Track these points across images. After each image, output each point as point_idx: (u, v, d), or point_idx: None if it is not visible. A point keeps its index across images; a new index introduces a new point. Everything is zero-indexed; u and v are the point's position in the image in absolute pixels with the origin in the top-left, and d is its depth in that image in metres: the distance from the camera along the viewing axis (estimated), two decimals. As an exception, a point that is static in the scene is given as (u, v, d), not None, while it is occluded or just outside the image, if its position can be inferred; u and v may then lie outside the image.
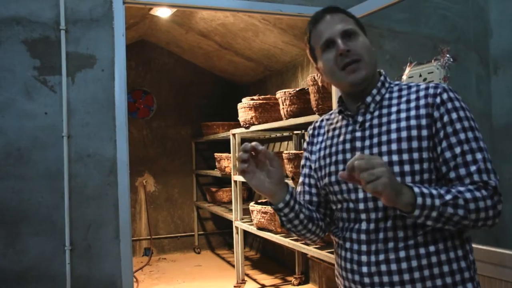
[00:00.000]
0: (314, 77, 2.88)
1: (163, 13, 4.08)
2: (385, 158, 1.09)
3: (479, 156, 1.06)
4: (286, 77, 4.63)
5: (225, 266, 4.92)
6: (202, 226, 5.71)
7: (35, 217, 2.14)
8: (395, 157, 1.09)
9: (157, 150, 5.49)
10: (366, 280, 1.09)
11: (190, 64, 5.62)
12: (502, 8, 2.73)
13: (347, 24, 1.16)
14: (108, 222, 2.24)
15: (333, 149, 1.22)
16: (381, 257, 1.08)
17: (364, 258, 1.10)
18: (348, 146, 1.18)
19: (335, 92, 2.61)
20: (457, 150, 1.06)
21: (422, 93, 1.12)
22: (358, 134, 1.17)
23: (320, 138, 1.29)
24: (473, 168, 1.05)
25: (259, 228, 3.60)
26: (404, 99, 1.14)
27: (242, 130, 3.93)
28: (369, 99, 1.17)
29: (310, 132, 1.34)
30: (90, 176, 2.22)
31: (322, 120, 1.34)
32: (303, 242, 3.08)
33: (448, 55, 2.46)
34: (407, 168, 1.08)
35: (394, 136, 1.11)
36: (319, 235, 1.28)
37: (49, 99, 2.18)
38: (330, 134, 1.26)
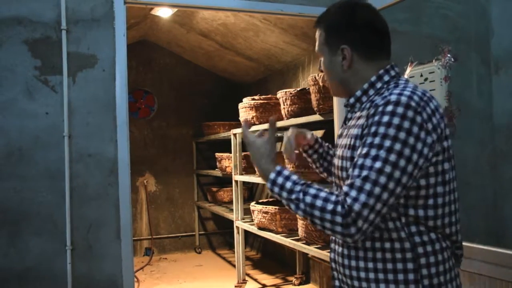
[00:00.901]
0: (315, 77, 2.88)
1: (164, 13, 4.08)
2: (338, 163, 1.18)
3: (363, 173, 1.01)
4: (287, 77, 4.63)
5: (226, 266, 4.92)
6: (203, 226, 5.71)
7: (36, 217, 2.14)
8: (339, 162, 1.17)
9: (158, 150, 5.49)
10: (336, 260, 1.22)
11: (191, 64, 5.62)
12: (504, 8, 2.73)
13: (316, 45, 1.26)
14: (109, 222, 2.24)
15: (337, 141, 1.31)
16: (339, 249, 1.19)
17: (332, 244, 1.24)
18: (338, 141, 1.27)
19: (336, 92, 2.61)
20: (355, 160, 1.05)
21: (375, 102, 1.10)
22: (340, 131, 1.27)
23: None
24: (350, 180, 1.02)
25: (260, 228, 3.60)
26: (369, 104, 1.14)
27: (243, 130, 3.92)
28: (352, 100, 1.22)
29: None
30: (91, 176, 2.22)
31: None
32: (304, 242, 3.08)
33: (449, 55, 2.46)
34: (344, 174, 1.14)
35: (346, 141, 1.17)
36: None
37: (50, 99, 2.18)
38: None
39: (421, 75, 2.29)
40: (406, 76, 2.23)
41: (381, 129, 1.02)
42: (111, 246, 2.24)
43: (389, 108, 1.03)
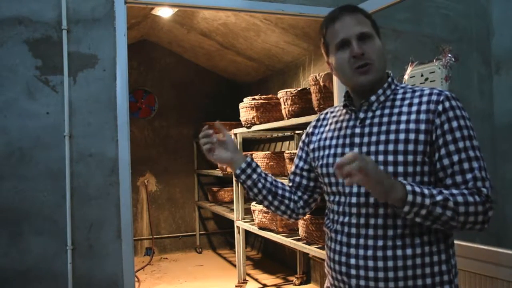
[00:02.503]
0: (315, 77, 2.88)
1: (164, 13, 4.08)
2: (380, 157, 1.14)
3: (475, 164, 1.10)
4: (288, 77, 4.63)
5: (227, 265, 4.92)
6: (203, 226, 5.71)
7: (37, 216, 2.14)
8: (390, 158, 1.14)
9: (159, 150, 5.49)
10: (353, 271, 1.15)
11: (191, 63, 5.62)
12: (505, 8, 2.73)
13: (364, 27, 1.19)
14: (110, 222, 2.24)
15: (333, 141, 1.27)
16: (369, 252, 1.13)
17: (352, 250, 1.15)
18: (347, 141, 1.23)
19: (336, 92, 2.61)
20: (455, 158, 1.11)
21: (425, 98, 1.15)
22: (357, 130, 1.22)
23: (322, 129, 1.35)
24: (469, 176, 1.10)
25: (261, 228, 3.60)
26: (407, 102, 1.18)
27: (244, 129, 3.93)
28: (373, 98, 1.21)
29: (313, 123, 1.40)
30: (92, 175, 2.23)
31: (326, 113, 1.40)
32: (304, 242, 3.08)
33: (449, 55, 2.46)
34: (400, 169, 1.13)
35: (392, 137, 1.14)
36: (286, 213, 1.38)
37: (51, 99, 2.18)
38: (333, 126, 1.30)
39: (422, 75, 2.28)
40: (406, 76, 2.23)
41: (462, 122, 1.13)
42: (112, 246, 2.24)
43: (453, 103, 1.14)
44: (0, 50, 2.12)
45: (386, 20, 2.74)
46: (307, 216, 3.01)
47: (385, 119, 1.18)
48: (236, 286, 4.01)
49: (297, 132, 4.21)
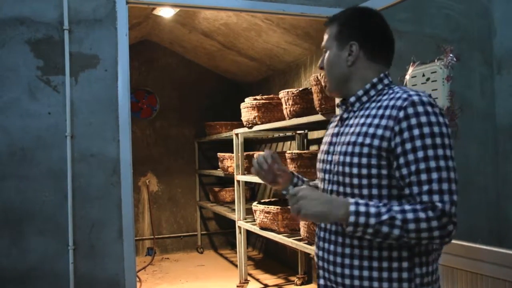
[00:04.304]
0: (317, 77, 2.88)
1: (166, 13, 4.09)
2: (341, 158, 1.18)
3: (434, 176, 1.05)
4: (289, 77, 4.63)
5: (228, 266, 4.92)
6: (205, 226, 5.72)
7: (39, 216, 2.14)
8: (347, 159, 1.16)
9: (160, 150, 5.50)
10: (324, 258, 1.24)
11: (193, 64, 5.63)
12: (506, 7, 2.72)
13: (325, 41, 1.29)
14: (111, 222, 2.25)
15: (326, 138, 1.33)
16: (332, 247, 1.20)
17: (326, 245, 1.23)
18: (330, 139, 1.29)
19: (338, 92, 2.61)
20: (413, 168, 1.07)
21: (391, 103, 1.14)
22: (336, 130, 1.28)
23: (329, 126, 1.42)
24: (425, 187, 1.06)
25: (262, 228, 3.60)
26: (378, 104, 1.18)
27: (245, 130, 3.93)
28: (352, 99, 1.25)
29: (330, 121, 1.46)
30: (93, 176, 2.23)
31: (337, 116, 1.45)
32: (306, 242, 3.08)
33: (451, 55, 2.45)
34: (355, 170, 1.14)
35: (353, 138, 1.17)
36: None
37: (53, 99, 2.18)
38: (333, 124, 1.37)
39: (423, 75, 2.28)
40: (408, 76, 2.22)
41: (426, 130, 1.07)
42: (113, 246, 2.24)
43: (420, 108, 1.08)
44: (2, 50, 2.12)
45: (387, 20, 2.74)
46: (308, 216, 3.00)
47: (357, 120, 1.20)
48: (237, 286, 4.01)
49: (298, 132, 4.21)
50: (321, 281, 1.26)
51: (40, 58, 2.17)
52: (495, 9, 2.75)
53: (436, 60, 2.47)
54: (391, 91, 1.19)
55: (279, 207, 3.46)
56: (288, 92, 3.27)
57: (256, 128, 3.77)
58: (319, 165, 1.32)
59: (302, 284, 4.07)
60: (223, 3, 2.50)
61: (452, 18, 2.74)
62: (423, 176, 1.06)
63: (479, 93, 2.76)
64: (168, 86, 5.54)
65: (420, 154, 1.06)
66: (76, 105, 2.22)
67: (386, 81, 1.24)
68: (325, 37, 1.29)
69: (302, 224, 3.10)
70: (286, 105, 3.31)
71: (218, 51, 4.89)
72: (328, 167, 1.25)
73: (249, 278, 4.11)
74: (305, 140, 4.25)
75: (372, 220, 1.05)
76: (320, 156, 1.33)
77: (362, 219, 1.05)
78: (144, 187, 5.41)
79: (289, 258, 4.58)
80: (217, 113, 5.54)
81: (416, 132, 1.07)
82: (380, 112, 1.14)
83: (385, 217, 1.04)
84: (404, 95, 1.12)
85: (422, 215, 1.03)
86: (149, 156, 5.41)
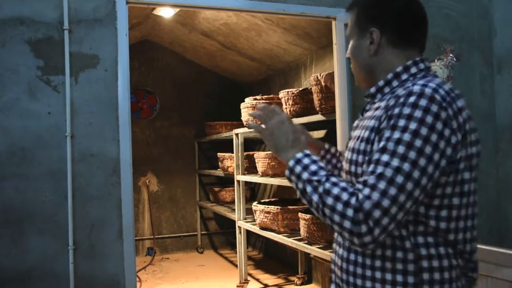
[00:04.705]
0: (317, 77, 2.88)
1: (166, 13, 4.09)
2: (348, 155, 1.10)
3: (379, 170, 0.92)
4: (289, 77, 4.63)
5: (228, 265, 4.92)
6: (205, 226, 5.72)
7: (39, 216, 2.14)
8: (349, 155, 1.09)
9: (160, 150, 5.50)
10: (336, 262, 1.15)
11: (193, 63, 5.63)
12: (506, 8, 2.72)
13: (348, 28, 1.20)
14: (111, 222, 2.25)
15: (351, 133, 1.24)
16: (340, 250, 1.11)
17: (334, 245, 1.18)
18: (351, 133, 1.19)
19: (338, 92, 2.61)
20: (371, 156, 0.96)
21: (396, 92, 1.02)
22: (356, 123, 1.18)
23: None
24: (364, 178, 0.94)
25: (262, 228, 3.60)
26: (390, 96, 1.05)
27: (245, 130, 3.93)
28: (372, 89, 1.14)
29: None
30: (93, 176, 2.23)
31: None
32: (306, 242, 3.07)
33: (451, 55, 2.46)
34: (353, 168, 1.06)
35: (359, 133, 1.08)
36: None
37: (53, 99, 2.18)
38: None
39: (424, 75, 2.27)
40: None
41: (401, 122, 0.93)
42: (114, 246, 2.24)
43: (411, 99, 0.94)
44: (2, 50, 2.12)
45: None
46: (308, 216, 3.01)
47: (370, 113, 1.10)
48: (237, 286, 4.01)
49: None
50: (333, 286, 1.17)
51: (40, 58, 2.17)
52: (495, 9, 2.75)
53: (436, 60, 2.47)
54: (409, 83, 1.04)
55: (279, 207, 3.45)
56: (288, 92, 3.27)
57: (256, 128, 3.76)
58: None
59: (302, 284, 4.07)
60: (223, 3, 2.50)
61: (453, 18, 2.74)
62: (370, 167, 0.94)
63: (479, 93, 2.76)
64: (168, 86, 5.54)
65: (381, 144, 0.94)
66: (76, 105, 2.21)
67: (413, 70, 1.09)
68: (348, 24, 1.19)
69: (302, 224, 3.10)
70: (286, 105, 3.31)
71: (218, 51, 4.89)
72: (344, 163, 1.16)
73: (249, 278, 4.11)
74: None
75: (305, 175, 0.99)
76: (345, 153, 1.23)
77: (298, 169, 1.01)
78: (144, 187, 5.41)
79: (289, 258, 4.58)
80: (217, 113, 5.54)
81: (391, 122, 0.95)
82: (385, 103, 1.03)
83: (315, 177, 0.98)
84: (410, 84, 1.01)
85: (344, 196, 0.93)
86: (149, 156, 5.41)
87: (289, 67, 4.61)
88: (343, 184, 0.96)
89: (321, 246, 2.94)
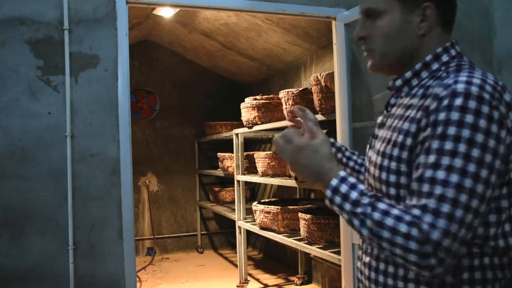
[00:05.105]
0: (317, 77, 2.88)
1: (166, 13, 4.09)
2: (374, 157, 0.97)
3: (437, 191, 0.79)
4: (289, 77, 4.63)
5: (228, 265, 4.92)
6: (205, 226, 5.72)
7: (39, 216, 2.14)
8: (379, 160, 0.94)
9: (160, 150, 5.50)
10: (363, 271, 1.05)
11: (193, 64, 5.63)
12: (507, 7, 2.72)
13: (373, 1, 0.97)
14: (111, 222, 2.24)
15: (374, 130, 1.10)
16: (367, 259, 1.01)
17: (360, 252, 1.07)
18: (375, 130, 1.06)
19: (338, 92, 2.61)
20: (419, 172, 0.84)
21: (435, 90, 0.86)
22: (380, 119, 1.04)
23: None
24: (422, 201, 0.81)
25: (262, 228, 3.60)
26: (425, 92, 0.91)
27: (245, 129, 3.93)
28: (398, 82, 0.99)
29: None
30: (93, 176, 2.23)
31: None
32: (306, 242, 3.07)
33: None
34: (384, 176, 0.93)
35: (389, 135, 0.94)
36: None
37: (53, 99, 2.18)
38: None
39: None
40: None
41: (451, 130, 0.80)
42: (113, 246, 2.24)
43: (458, 102, 0.81)
44: (2, 50, 2.12)
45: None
46: (308, 216, 3.01)
47: (398, 111, 0.96)
48: (237, 286, 4.01)
49: (298, 132, 4.20)
50: None
51: (40, 58, 2.17)
52: (495, 9, 2.75)
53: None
54: (445, 74, 0.92)
55: (279, 207, 3.45)
56: (288, 92, 3.26)
57: (256, 128, 3.76)
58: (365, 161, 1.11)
59: (302, 284, 4.07)
60: (223, 3, 2.50)
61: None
62: (425, 187, 0.81)
63: (479, 93, 2.76)
64: (168, 86, 5.54)
65: (431, 158, 0.81)
66: (76, 105, 2.21)
67: (445, 58, 0.96)
68: None
69: (302, 224, 3.10)
70: (286, 105, 3.31)
71: (218, 51, 4.89)
72: (367, 164, 1.04)
73: (249, 278, 4.11)
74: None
75: (348, 206, 0.87)
76: (367, 150, 1.10)
77: (337, 199, 0.88)
78: (144, 187, 5.41)
79: (289, 258, 4.58)
80: (217, 113, 5.55)
81: (439, 130, 0.81)
82: (421, 102, 0.89)
83: (359, 209, 0.85)
84: (451, 81, 0.84)
85: (403, 228, 0.80)
86: (149, 156, 5.41)
87: (289, 67, 4.61)
88: (394, 212, 0.82)
89: (321, 246, 2.94)
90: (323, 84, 2.82)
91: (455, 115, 0.80)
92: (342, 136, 2.57)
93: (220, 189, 5.28)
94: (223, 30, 4.27)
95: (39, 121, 2.16)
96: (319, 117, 2.90)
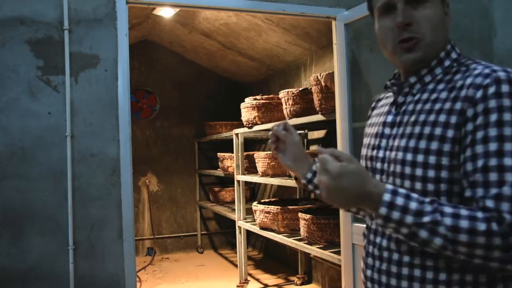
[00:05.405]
0: (317, 77, 2.88)
1: (166, 13, 4.09)
2: (399, 155, 0.93)
3: (509, 177, 0.78)
4: (289, 77, 4.63)
5: (228, 265, 4.92)
6: (205, 226, 5.72)
7: (39, 216, 2.14)
8: (409, 156, 0.91)
9: (160, 150, 5.50)
10: (369, 277, 1.01)
11: (193, 64, 5.63)
12: (507, 7, 2.72)
13: None
14: (111, 222, 2.24)
15: (372, 129, 1.08)
16: (384, 266, 0.95)
17: (377, 263, 0.98)
18: (380, 130, 1.03)
19: (338, 92, 2.61)
20: (480, 163, 0.81)
21: (469, 81, 0.87)
22: (390, 118, 1.01)
23: (373, 113, 1.15)
24: (493, 191, 0.79)
25: (262, 228, 3.60)
26: (450, 85, 0.91)
27: (245, 129, 3.93)
28: (413, 79, 0.98)
29: (372, 105, 1.20)
30: (93, 176, 2.23)
31: (383, 95, 1.18)
32: (306, 242, 3.07)
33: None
34: (419, 172, 0.89)
35: (417, 130, 0.91)
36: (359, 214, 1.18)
37: (53, 99, 2.18)
38: (377, 111, 1.12)
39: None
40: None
41: (507, 116, 0.80)
42: (113, 246, 2.24)
43: (506, 88, 0.82)
44: (2, 50, 2.12)
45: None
46: (308, 216, 3.01)
47: (419, 106, 0.94)
48: (237, 286, 4.01)
49: (298, 132, 4.20)
50: None
51: (40, 58, 2.17)
52: (495, 9, 2.75)
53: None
54: (464, 68, 0.93)
55: (279, 207, 3.45)
56: (288, 92, 3.27)
57: (256, 128, 3.76)
58: (364, 164, 1.07)
59: (302, 284, 4.07)
60: (223, 3, 2.50)
61: (453, 18, 2.74)
62: (493, 176, 0.79)
63: (479, 93, 2.76)
64: (168, 86, 5.54)
65: (493, 146, 0.80)
66: (76, 105, 2.21)
67: (454, 55, 0.98)
68: None
69: (302, 224, 3.10)
70: (286, 105, 3.31)
71: (218, 51, 4.89)
72: (379, 166, 1.00)
73: (249, 278, 4.11)
74: (305, 140, 4.25)
75: (409, 219, 0.80)
76: (365, 152, 1.07)
77: (396, 214, 0.80)
78: (144, 187, 5.41)
79: (289, 258, 4.58)
80: (217, 113, 5.55)
81: (493, 117, 0.81)
82: (453, 94, 0.88)
83: (427, 218, 0.79)
84: (487, 70, 0.86)
85: (481, 226, 0.77)
86: (149, 156, 5.41)
87: (289, 67, 4.61)
88: (464, 212, 0.79)
89: (321, 246, 2.94)
90: (323, 84, 2.82)
91: (507, 101, 0.81)
92: (342, 136, 2.57)
93: (220, 189, 5.28)
94: (223, 30, 4.27)
95: (39, 121, 2.16)
96: (319, 117, 2.90)
